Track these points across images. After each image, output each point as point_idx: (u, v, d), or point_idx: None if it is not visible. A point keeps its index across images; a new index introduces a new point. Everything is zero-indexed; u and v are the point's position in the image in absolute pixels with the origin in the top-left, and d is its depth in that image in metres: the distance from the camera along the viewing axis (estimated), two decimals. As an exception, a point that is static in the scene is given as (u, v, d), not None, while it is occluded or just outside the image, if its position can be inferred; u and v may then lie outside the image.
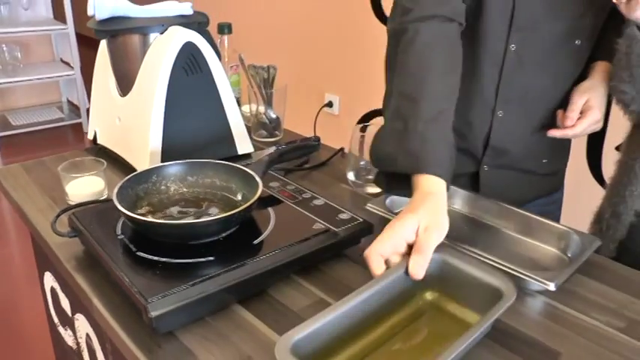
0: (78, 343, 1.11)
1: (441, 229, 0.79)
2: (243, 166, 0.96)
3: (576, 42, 1.07)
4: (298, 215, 0.94)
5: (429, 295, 0.82)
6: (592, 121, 1.05)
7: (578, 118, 1.06)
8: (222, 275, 0.76)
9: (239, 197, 0.94)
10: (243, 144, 1.24)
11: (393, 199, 1.03)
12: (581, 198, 1.44)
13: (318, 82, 3.13)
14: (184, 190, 0.97)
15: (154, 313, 0.70)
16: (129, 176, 0.92)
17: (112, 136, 1.26)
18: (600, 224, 1.14)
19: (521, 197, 1.18)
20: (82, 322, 1.04)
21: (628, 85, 1.00)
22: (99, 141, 1.29)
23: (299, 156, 1.20)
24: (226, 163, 0.97)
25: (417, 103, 0.89)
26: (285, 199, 0.98)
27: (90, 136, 1.32)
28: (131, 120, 1.18)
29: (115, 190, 0.86)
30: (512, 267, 0.84)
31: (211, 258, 0.80)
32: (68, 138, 4.15)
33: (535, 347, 0.75)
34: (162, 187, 0.96)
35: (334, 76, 3.04)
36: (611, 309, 0.83)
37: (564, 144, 1.23)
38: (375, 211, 1.00)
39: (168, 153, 1.11)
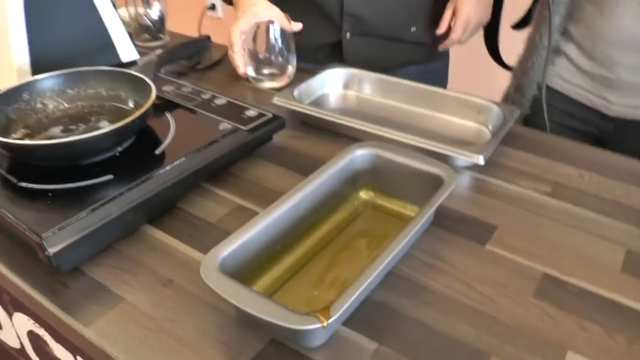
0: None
1: None
2: (129, 70, 0.82)
3: None
4: (201, 117, 0.82)
5: (363, 195, 0.75)
6: (464, 22, 1.09)
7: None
8: (126, 194, 0.65)
9: (131, 105, 0.81)
10: (126, 50, 1.08)
11: (300, 90, 0.94)
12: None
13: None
14: (66, 106, 0.82)
15: (51, 250, 0.58)
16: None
17: None
18: (507, 102, 1.11)
19: (387, 64, 1.13)
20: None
21: None
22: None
23: (190, 55, 1.07)
24: (110, 68, 0.83)
25: None
26: (183, 102, 0.86)
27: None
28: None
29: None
30: (437, 145, 0.78)
31: (110, 177, 0.68)
32: None
33: (472, 224, 0.71)
34: (39, 106, 0.80)
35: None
36: (536, 175, 0.81)
37: (431, 14, 1.18)
38: (283, 104, 0.90)
39: (40, 68, 0.94)
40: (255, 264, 0.60)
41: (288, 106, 0.89)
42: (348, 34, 1.15)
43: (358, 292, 0.51)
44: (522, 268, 0.65)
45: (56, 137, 0.75)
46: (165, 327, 0.57)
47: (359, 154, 0.72)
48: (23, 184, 0.67)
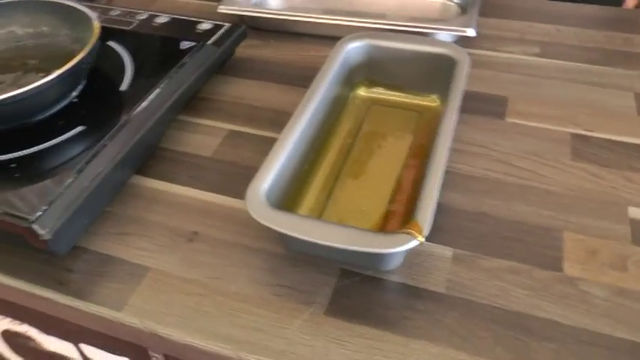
0: None
1: None
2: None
3: None
4: (153, 40, 0.68)
5: (362, 92, 0.66)
6: None
7: None
8: (109, 144, 0.52)
9: (64, 40, 0.64)
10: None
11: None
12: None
13: None
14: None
15: (45, 233, 0.45)
16: None
17: None
18: None
19: None
20: None
21: None
22: None
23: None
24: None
25: None
26: (120, 27, 0.71)
27: None
28: None
29: None
30: (420, 25, 0.70)
31: (81, 128, 0.54)
32: None
33: (482, 100, 0.66)
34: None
35: None
36: (518, 39, 0.76)
37: None
38: (231, 11, 0.77)
39: None
40: (292, 192, 0.51)
41: (239, 13, 0.76)
42: None
43: (435, 199, 0.44)
44: (549, 133, 0.61)
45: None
46: (214, 287, 0.47)
47: (352, 48, 0.63)
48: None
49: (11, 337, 0.64)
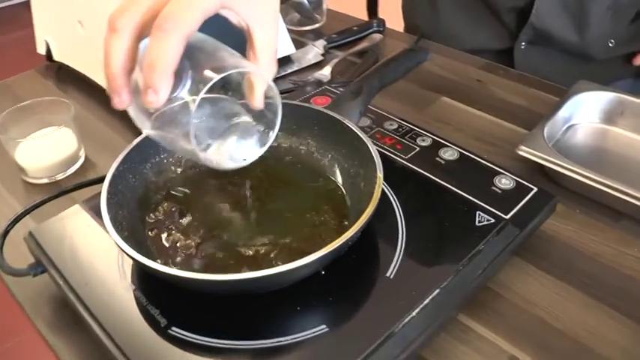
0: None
1: None
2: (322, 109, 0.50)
3: None
4: (435, 196, 0.49)
5: None
6: None
7: None
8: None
9: (333, 169, 0.49)
10: (281, 43, 0.76)
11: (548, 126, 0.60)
12: None
13: None
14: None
15: None
16: (122, 155, 0.46)
17: (75, 48, 0.76)
18: None
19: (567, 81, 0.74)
20: None
21: None
22: (56, 57, 0.79)
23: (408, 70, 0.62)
24: (288, 102, 0.51)
25: None
26: (393, 153, 0.54)
27: (40, 50, 0.82)
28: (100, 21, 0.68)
29: (104, 199, 0.41)
30: None
31: (322, 328, 0.38)
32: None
33: None
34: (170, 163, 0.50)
35: None
36: None
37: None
38: (530, 156, 0.56)
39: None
40: None
41: (540, 161, 0.56)
42: (523, 44, 0.82)
43: None
44: None
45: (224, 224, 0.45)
46: None
47: None
48: (176, 332, 0.38)
49: None
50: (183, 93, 0.36)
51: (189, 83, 0.36)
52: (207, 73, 0.35)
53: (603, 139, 0.64)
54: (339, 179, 0.49)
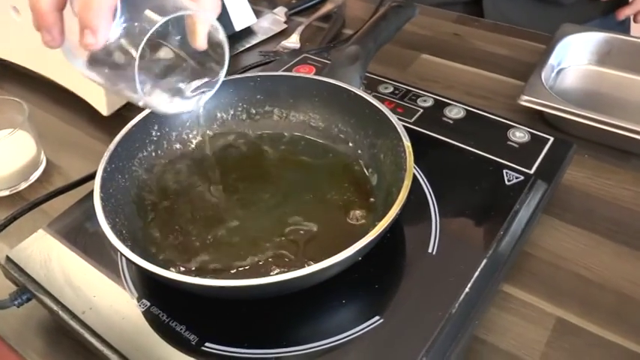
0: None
1: None
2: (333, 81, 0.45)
3: None
4: (458, 157, 0.45)
5: None
6: None
7: None
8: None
9: (343, 143, 0.44)
10: (241, 14, 0.70)
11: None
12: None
13: None
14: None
15: None
16: (107, 154, 0.40)
17: (11, 39, 0.67)
18: None
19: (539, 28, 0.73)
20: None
21: None
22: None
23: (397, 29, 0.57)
24: (295, 74, 0.46)
25: None
26: (399, 117, 0.49)
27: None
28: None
29: (99, 207, 0.35)
30: None
31: (376, 319, 0.34)
32: None
33: None
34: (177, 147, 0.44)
35: None
36: None
37: None
38: (535, 106, 0.53)
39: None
40: None
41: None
42: None
43: None
44: None
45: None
46: None
47: None
48: (210, 347, 0.33)
49: None
50: (121, 33, 0.32)
51: (125, 23, 0.32)
52: (148, 14, 0.32)
53: (594, 81, 0.62)
54: (352, 153, 0.44)
